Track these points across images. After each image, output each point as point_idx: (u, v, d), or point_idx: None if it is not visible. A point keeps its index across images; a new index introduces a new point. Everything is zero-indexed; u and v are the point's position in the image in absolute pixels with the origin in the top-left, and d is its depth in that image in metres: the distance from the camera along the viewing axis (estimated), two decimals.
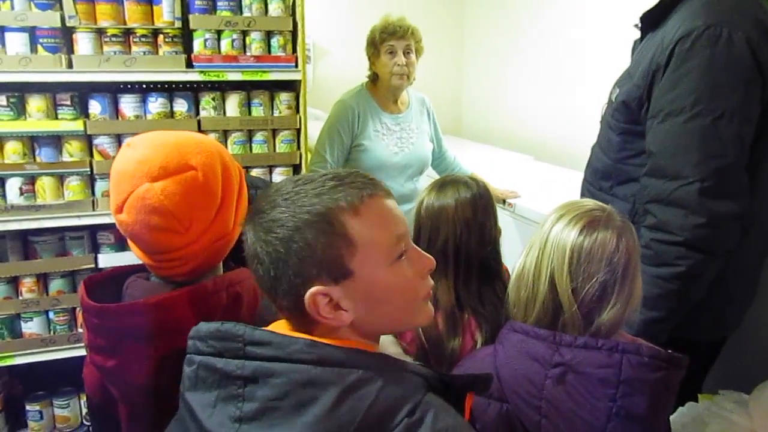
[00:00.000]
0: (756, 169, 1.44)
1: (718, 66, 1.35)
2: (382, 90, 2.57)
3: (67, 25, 2.04)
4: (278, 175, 2.34)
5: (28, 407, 2.35)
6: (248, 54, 2.21)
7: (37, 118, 2.07)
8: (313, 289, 0.81)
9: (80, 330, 2.25)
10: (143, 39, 2.10)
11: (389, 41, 2.45)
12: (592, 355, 1.00)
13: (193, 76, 2.16)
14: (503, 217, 2.21)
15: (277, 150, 2.33)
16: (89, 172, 2.15)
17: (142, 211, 1.01)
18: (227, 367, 0.79)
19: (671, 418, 1.47)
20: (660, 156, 1.41)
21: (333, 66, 3.91)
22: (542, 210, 2.38)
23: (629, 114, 1.52)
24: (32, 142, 2.09)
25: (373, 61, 2.54)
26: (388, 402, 0.77)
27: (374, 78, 2.59)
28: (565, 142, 3.11)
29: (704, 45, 1.35)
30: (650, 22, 1.55)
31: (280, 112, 2.31)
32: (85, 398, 2.38)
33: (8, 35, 1.99)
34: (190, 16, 2.15)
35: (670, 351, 1.01)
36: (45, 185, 2.10)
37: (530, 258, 1.11)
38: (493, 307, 1.37)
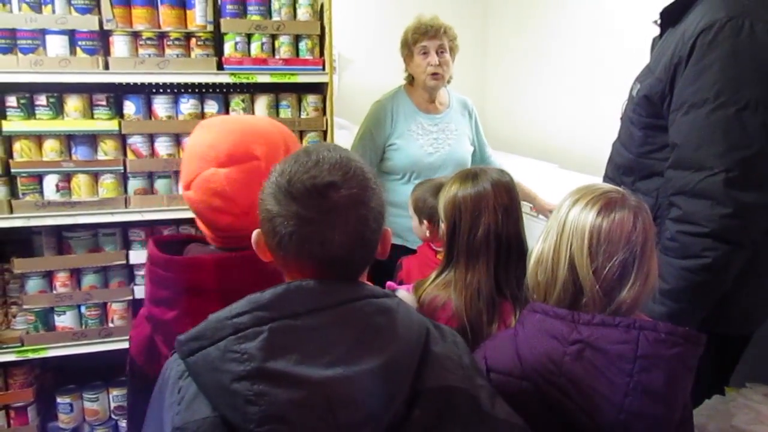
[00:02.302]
0: None
1: (740, 56, 1.36)
2: (418, 90, 2.56)
3: (105, 28, 2.12)
4: None
5: (59, 399, 2.40)
6: (277, 57, 2.27)
7: (74, 118, 2.14)
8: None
9: (111, 325, 2.31)
10: (176, 42, 2.18)
11: (422, 41, 2.45)
12: (610, 332, 1.01)
13: (224, 78, 2.22)
14: (528, 221, 2.23)
15: None
16: (122, 171, 2.21)
17: (206, 193, 1.12)
18: (307, 323, 0.83)
19: (697, 410, 1.48)
20: (684, 148, 1.42)
21: (358, 76, 3.97)
22: None
23: (651, 108, 1.53)
24: (69, 140, 2.17)
25: (408, 63, 2.55)
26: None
27: (411, 80, 2.59)
28: (590, 150, 3.11)
29: (726, 36, 1.36)
30: (670, 17, 1.56)
31: (307, 114, 2.36)
32: (113, 393, 2.45)
33: (49, 38, 2.07)
34: (222, 20, 2.22)
35: (687, 328, 1.02)
36: (80, 182, 2.17)
37: (548, 243, 1.13)
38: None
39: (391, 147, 2.53)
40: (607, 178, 1.74)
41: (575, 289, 1.09)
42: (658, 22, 1.62)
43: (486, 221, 1.41)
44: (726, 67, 1.36)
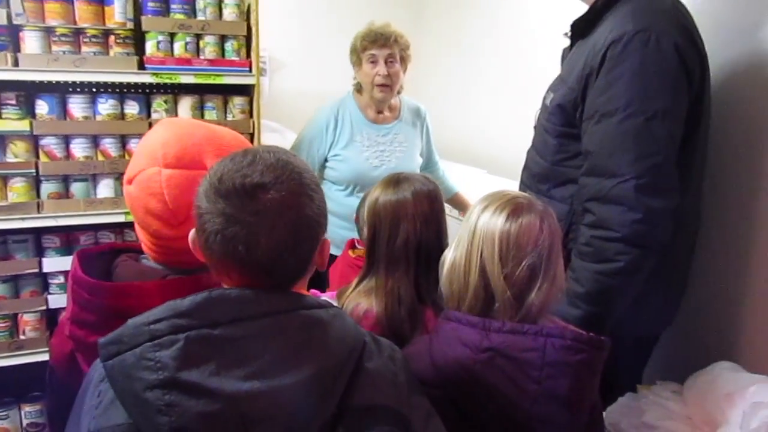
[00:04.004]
0: (685, 167, 1.49)
1: (648, 68, 1.40)
2: (367, 99, 2.46)
3: (14, 22, 2.01)
4: None
5: None
6: (202, 57, 2.22)
7: None
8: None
9: (22, 337, 2.19)
10: (94, 39, 2.09)
11: (370, 49, 2.34)
12: (519, 340, 1.03)
13: (145, 78, 2.14)
14: (455, 226, 2.23)
15: None
16: (35, 174, 2.10)
17: (144, 191, 1.07)
18: (227, 333, 0.80)
19: (610, 408, 1.52)
20: (597, 155, 1.45)
21: (290, 78, 3.91)
22: None
23: (565, 117, 1.56)
24: None
25: (356, 70, 2.44)
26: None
27: (359, 87, 2.47)
28: (517, 157, 3.16)
29: (635, 48, 1.40)
30: (580, 29, 1.60)
31: (233, 117, 2.31)
32: (26, 409, 2.33)
33: None
34: (143, 18, 2.14)
35: (592, 334, 1.04)
36: None
37: (460, 251, 1.13)
38: None
39: (335, 157, 2.43)
40: (523, 185, 1.77)
41: (486, 296, 1.10)
42: (569, 34, 1.66)
43: (405, 230, 1.40)
44: (635, 78, 1.40)
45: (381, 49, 2.34)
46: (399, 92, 2.50)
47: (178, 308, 0.81)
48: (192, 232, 0.91)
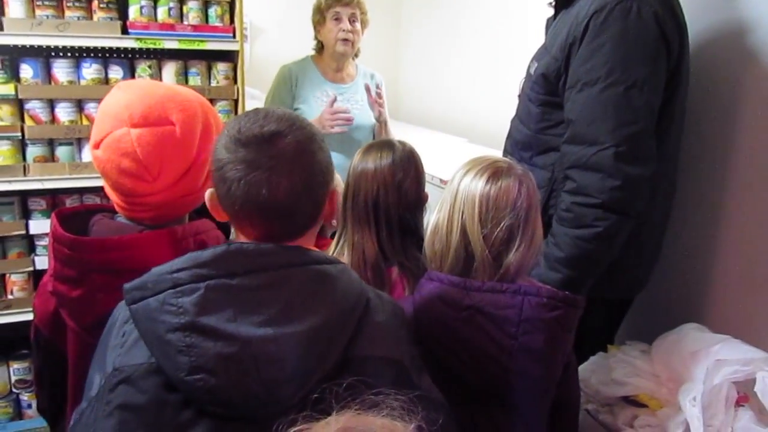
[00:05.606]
0: (662, 136, 1.54)
1: (629, 38, 1.44)
2: (327, 59, 2.59)
3: None
4: None
5: None
6: (185, 23, 2.22)
7: None
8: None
9: (10, 297, 2.23)
10: (77, 4, 2.09)
11: (335, 7, 2.49)
12: (497, 298, 1.09)
13: (129, 43, 2.15)
14: (437, 192, 2.29)
15: None
16: (20, 137, 2.11)
17: (115, 153, 1.10)
18: (243, 283, 0.86)
19: (582, 366, 1.60)
20: (578, 124, 1.49)
21: (269, 46, 3.91)
22: None
23: (548, 86, 1.60)
24: None
25: (319, 29, 2.57)
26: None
27: (320, 48, 2.61)
28: (497, 126, 3.21)
29: (616, 18, 1.44)
30: None
31: (217, 82, 2.32)
32: (14, 366, 2.37)
33: None
34: None
35: (566, 293, 1.11)
36: None
37: (442, 213, 1.19)
38: (416, 260, 1.45)
39: (297, 111, 2.52)
40: (506, 153, 1.81)
41: (467, 255, 1.16)
42: (552, 3, 1.69)
43: (363, 192, 1.49)
44: (616, 47, 1.44)
45: (345, 7, 2.51)
46: (357, 55, 2.65)
47: (199, 259, 0.87)
48: (209, 191, 0.97)
